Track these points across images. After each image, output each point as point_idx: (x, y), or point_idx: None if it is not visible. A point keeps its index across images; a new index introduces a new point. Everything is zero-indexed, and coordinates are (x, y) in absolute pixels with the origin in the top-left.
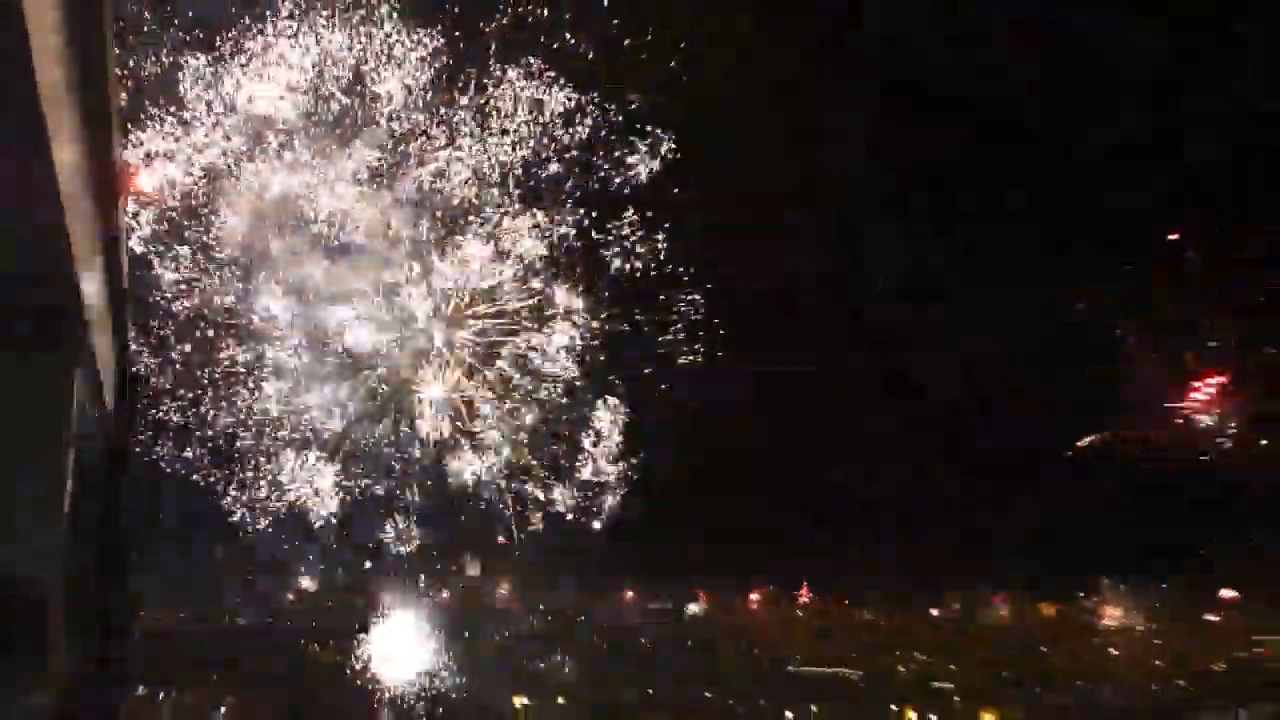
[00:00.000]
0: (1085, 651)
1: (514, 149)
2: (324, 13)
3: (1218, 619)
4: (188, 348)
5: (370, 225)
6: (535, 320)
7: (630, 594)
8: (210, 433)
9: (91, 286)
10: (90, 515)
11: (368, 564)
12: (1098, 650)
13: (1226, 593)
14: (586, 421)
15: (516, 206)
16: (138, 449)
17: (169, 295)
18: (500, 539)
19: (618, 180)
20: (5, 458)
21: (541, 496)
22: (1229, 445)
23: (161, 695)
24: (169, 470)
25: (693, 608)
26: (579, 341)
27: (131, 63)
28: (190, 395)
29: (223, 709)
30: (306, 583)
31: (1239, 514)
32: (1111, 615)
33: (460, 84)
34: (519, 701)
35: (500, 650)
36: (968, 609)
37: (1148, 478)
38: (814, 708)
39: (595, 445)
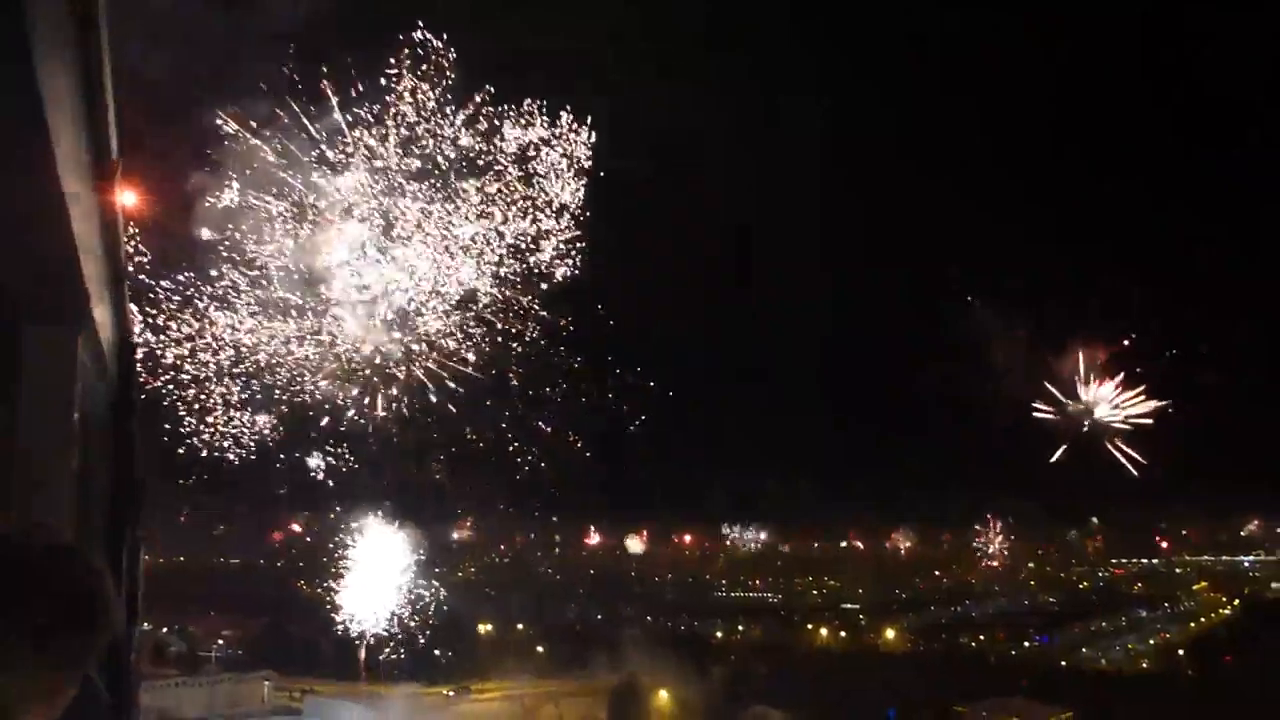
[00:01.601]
0: (972, 574)
1: None
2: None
3: (1083, 545)
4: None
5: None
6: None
7: (580, 532)
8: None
9: (91, 262)
10: (98, 472)
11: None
12: (983, 573)
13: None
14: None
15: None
16: (139, 410)
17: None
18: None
19: None
20: (19, 422)
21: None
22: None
23: (166, 629)
24: (173, 428)
25: (634, 545)
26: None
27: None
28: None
29: (220, 640)
30: (294, 525)
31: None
32: (995, 544)
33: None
34: (483, 627)
35: (466, 582)
36: (871, 541)
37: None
38: (740, 626)
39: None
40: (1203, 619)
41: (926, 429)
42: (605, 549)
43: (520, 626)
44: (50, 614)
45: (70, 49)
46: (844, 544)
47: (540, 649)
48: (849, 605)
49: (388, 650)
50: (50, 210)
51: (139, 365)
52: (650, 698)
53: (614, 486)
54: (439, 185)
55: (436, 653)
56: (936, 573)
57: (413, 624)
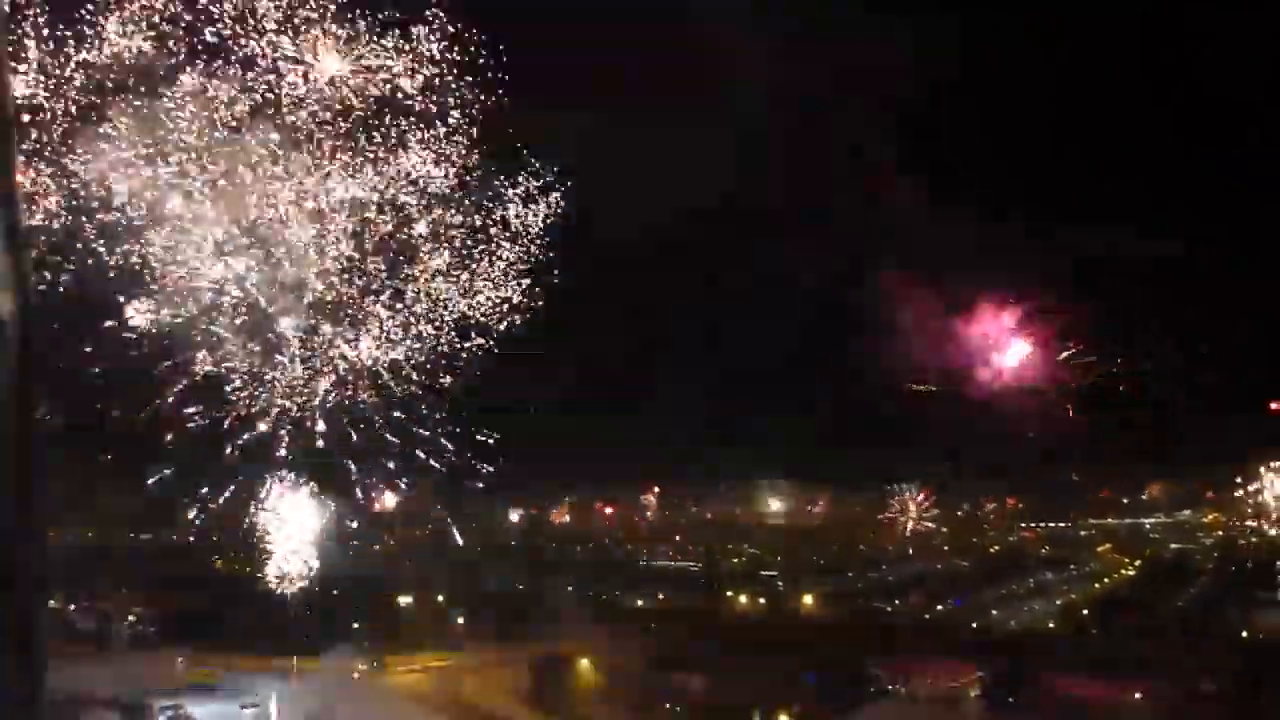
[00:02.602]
0: (888, 541)
1: None
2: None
3: (992, 511)
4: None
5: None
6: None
7: (500, 503)
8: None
9: None
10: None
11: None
12: (898, 539)
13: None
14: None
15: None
16: (41, 384)
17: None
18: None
19: None
20: None
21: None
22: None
23: (74, 606)
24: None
25: (555, 516)
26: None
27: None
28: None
29: (131, 616)
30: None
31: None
32: (910, 511)
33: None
34: (403, 599)
35: (386, 555)
36: (791, 508)
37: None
38: (660, 595)
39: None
40: (1106, 579)
41: (841, 394)
42: (527, 520)
43: (440, 599)
44: None
45: None
46: (763, 510)
47: (461, 620)
48: (768, 572)
49: (307, 624)
50: None
51: (39, 342)
52: (573, 667)
53: (534, 458)
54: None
55: (356, 626)
56: (854, 539)
57: (332, 597)
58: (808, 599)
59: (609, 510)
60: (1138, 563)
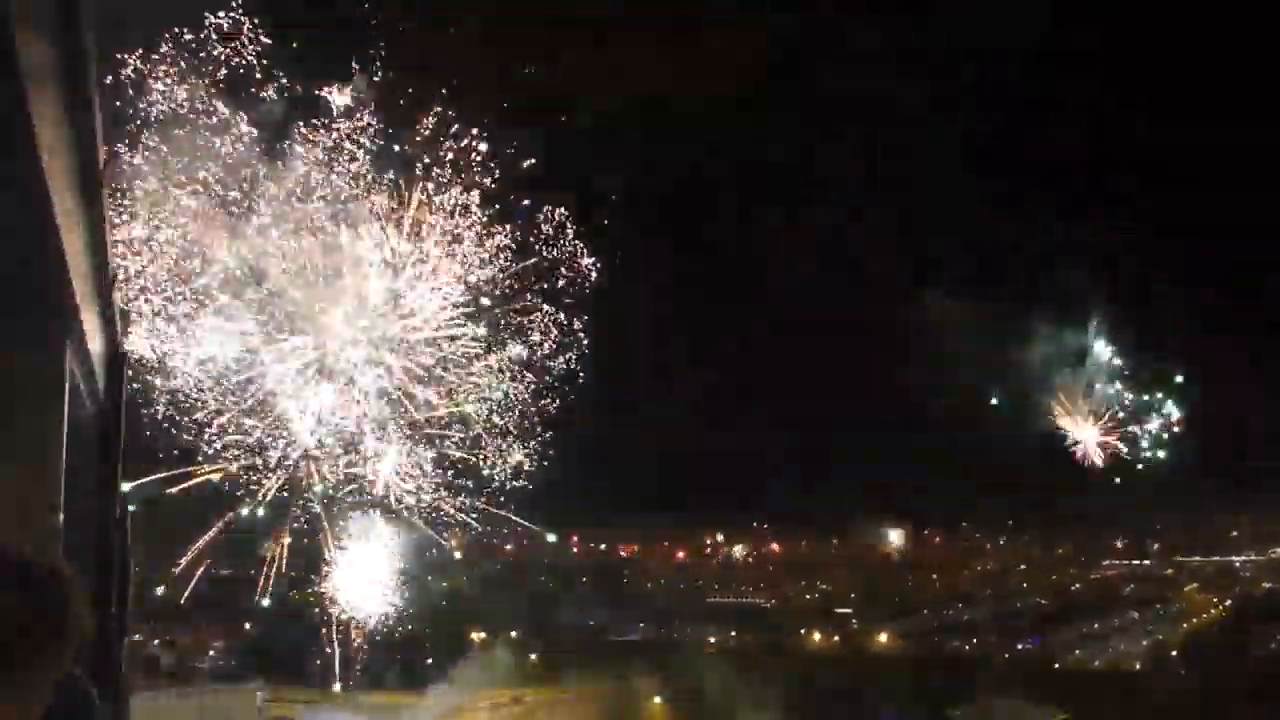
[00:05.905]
0: (963, 578)
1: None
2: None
3: (1073, 547)
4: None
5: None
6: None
7: (571, 540)
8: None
9: (79, 273)
10: (87, 485)
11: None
12: (974, 576)
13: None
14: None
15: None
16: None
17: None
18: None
19: None
20: (6, 431)
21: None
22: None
23: (156, 641)
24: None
25: (626, 552)
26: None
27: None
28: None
29: (211, 650)
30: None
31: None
32: (986, 546)
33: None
34: (476, 635)
35: (458, 591)
36: (864, 544)
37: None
38: (733, 632)
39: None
40: (1194, 619)
41: (915, 426)
42: (598, 556)
43: (514, 634)
44: (13, 631)
45: (56, 67)
46: (835, 542)
47: (533, 656)
48: (842, 610)
49: (381, 660)
50: (38, 222)
51: (128, 374)
52: (644, 704)
53: (605, 493)
54: None
55: (430, 662)
56: (934, 576)
57: (407, 633)
58: (882, 637)
59: (680, 552)
60: (1227, 602)
